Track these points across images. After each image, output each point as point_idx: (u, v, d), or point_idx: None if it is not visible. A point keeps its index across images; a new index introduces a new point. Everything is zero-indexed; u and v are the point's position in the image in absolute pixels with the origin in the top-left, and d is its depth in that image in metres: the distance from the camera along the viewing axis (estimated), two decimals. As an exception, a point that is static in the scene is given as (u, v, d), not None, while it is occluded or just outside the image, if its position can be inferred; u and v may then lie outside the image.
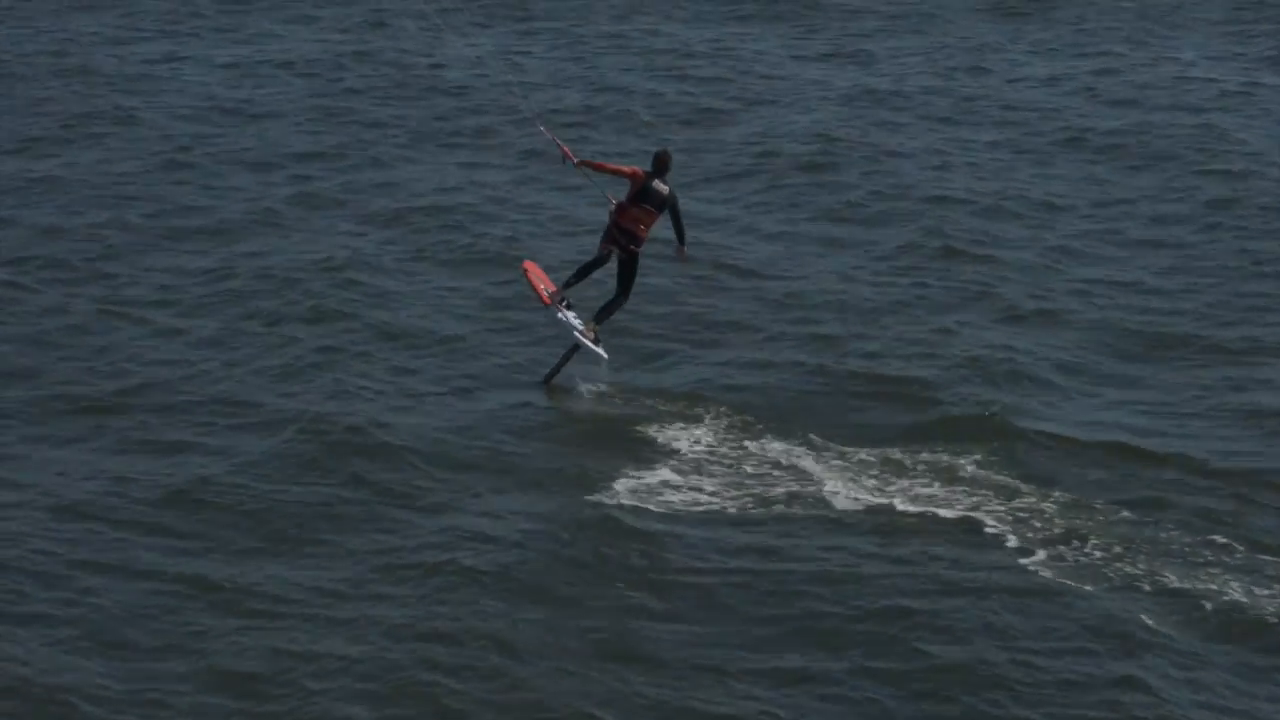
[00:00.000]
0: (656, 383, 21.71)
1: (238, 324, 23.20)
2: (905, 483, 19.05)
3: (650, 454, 19.76)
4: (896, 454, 19.63)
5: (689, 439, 20.13)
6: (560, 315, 21.41)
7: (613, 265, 21.40)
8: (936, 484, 19.03)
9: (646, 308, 23.48)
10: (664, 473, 19.32)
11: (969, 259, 25.87)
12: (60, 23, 41.73)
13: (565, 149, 21.48)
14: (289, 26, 42.28)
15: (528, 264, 22.20)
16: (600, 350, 21.29)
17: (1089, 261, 26.24)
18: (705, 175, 30.28)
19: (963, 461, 19.47)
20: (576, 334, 21.22)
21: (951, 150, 31.76)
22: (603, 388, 21.58)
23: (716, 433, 20.28)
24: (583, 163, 21.40)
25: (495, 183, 29.84)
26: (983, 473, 19.29)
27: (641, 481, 19.06)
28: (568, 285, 21.57)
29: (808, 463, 19.55)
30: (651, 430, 20.34)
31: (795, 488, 18.93)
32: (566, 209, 28.06)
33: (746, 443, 20.09)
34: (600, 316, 21.45)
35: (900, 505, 18.51)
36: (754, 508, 18.49)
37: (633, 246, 21.11)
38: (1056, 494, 18.73)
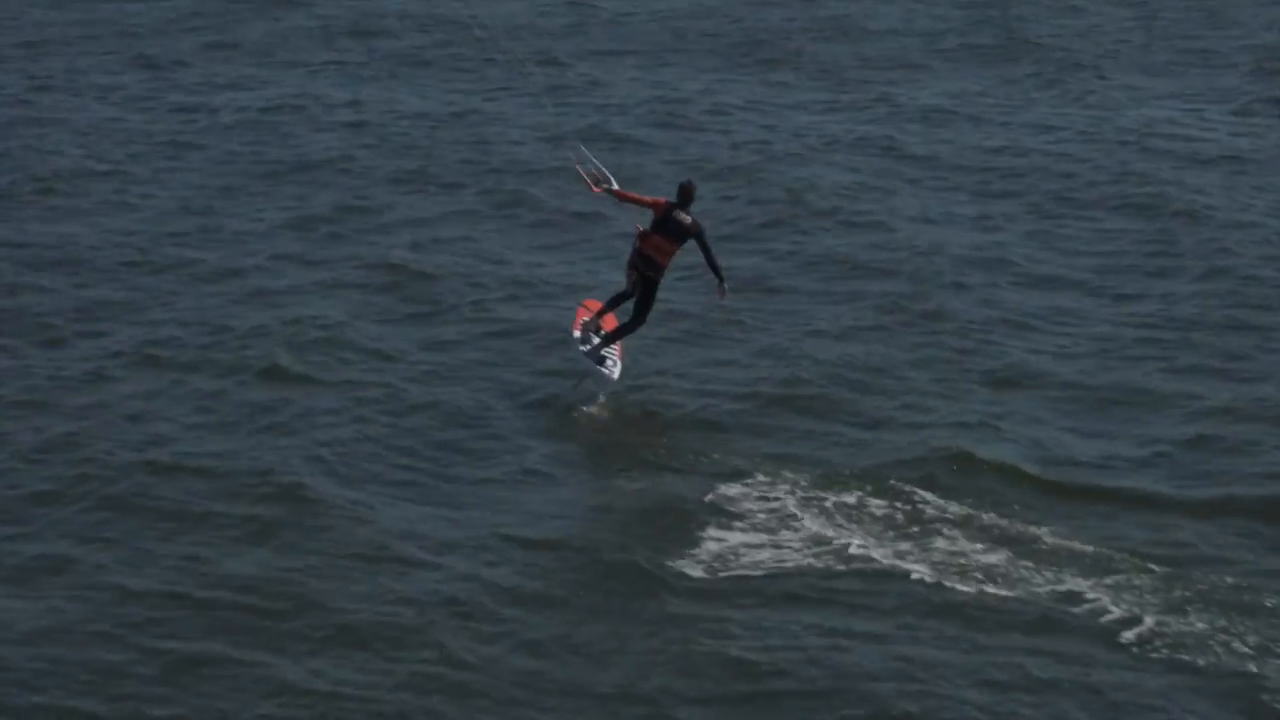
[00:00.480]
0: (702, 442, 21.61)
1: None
2: (955, 549, 18.80)
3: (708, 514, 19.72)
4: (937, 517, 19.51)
5: (745, 494, 20.00)
6: (582, 347, 22.08)
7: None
8: (993, 550, 18.76)
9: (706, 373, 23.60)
10: (722, 533, 19.21)
11: (945, 315, 25.70)
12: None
13: (587, 179, 21.78)
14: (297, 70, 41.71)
15: (589, 301, 22.99)
16: (608, 372, 21.98)
17: (1068, 315, 26.14)
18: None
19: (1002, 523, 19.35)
20: (585, 356, 21.97)
21: (931, 204, 31.58)
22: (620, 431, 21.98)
23: (775, 494, 20.09)
24: (609, 190, 21.70)
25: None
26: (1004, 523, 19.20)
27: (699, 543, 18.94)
28: (600, 315, 22.24)
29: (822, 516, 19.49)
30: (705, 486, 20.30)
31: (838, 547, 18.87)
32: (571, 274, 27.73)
33: (789, 499, 19.94)
34: (613, 338, 22.11)
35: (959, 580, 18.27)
36: (810, 575, 18.26)
37: (652, 274, 21.53)
38: (1153, 566, 18.46)
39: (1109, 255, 28.77)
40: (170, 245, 28.33)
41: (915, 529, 19.14)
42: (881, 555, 18.54)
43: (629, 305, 22.26)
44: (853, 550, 18.64)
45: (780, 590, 17.93)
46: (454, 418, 22.05)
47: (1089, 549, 18.74)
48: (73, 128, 35.51)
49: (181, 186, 31.65)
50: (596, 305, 22.67)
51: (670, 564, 18.42)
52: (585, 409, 22.42)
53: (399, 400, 22.49)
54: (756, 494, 19.95)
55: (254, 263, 27.61)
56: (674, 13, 49.04)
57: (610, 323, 22.44)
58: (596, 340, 22.15)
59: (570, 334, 22.40)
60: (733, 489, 20.07)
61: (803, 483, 20.13)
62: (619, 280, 22.83)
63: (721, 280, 21.47)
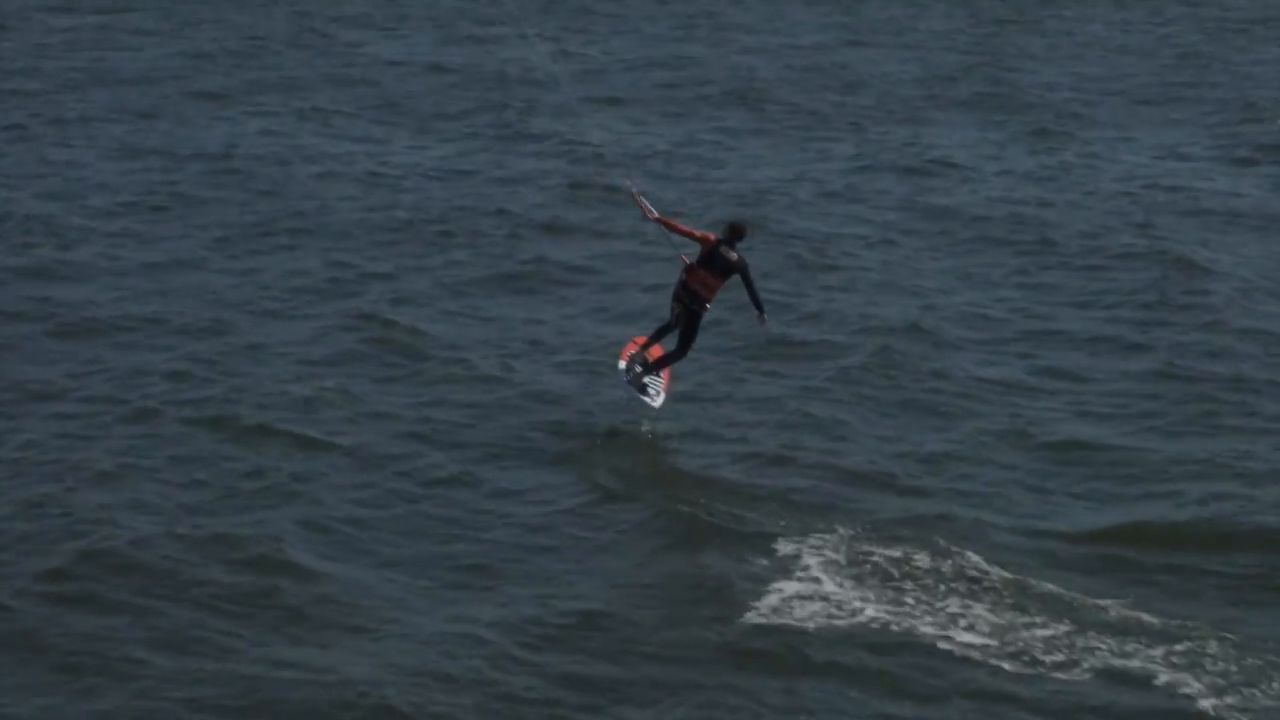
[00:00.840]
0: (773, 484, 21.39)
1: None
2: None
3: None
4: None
5: (784, 557, 19.52)
6: (625, 377, 22.76)
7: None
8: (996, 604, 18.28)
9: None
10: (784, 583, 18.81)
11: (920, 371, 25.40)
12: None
13: (643, 204, 22.47)
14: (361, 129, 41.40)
15: (637, 338, 23.45)
16: (650, 400, 22.64)
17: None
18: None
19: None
20: (627, 385, 22.64)
21: (928, 257, 31.35)
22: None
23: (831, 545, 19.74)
24: (659, 219, 22.37)
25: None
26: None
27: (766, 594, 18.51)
28: (645, 348, 22.84)
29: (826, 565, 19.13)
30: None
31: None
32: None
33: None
34: (656, 367, 22.82)
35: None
36: (854, 645, 17.67)
37: (695, 307, 22.22)
38: (1220, 635, 17.84)
39: (1130, 308, 28.48)
40: (156, 300, 27.91)
41: (963, 593, 18.56)
42: (929, 626, 17.90)
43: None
44: (899, 618, 18.03)
45: (824, 661, 17.28)
46: (459, 480, 21.53)
47: (1150, 620, 18.12)
48: (59, 178, 35.14)
49: (166, 239, 31.18)
50: (643, 340, 23.22)
51: (706, 634, 17.78)
52: (603, 467, 21.92)
53: (400, 463, 21.91)
54: (796, 556, 19.39)
55: (241, 318, 27.16)
56: (664, 63, 48.95)
57: (656, 353, 23.05)
58: (638, 369, 22.79)
59: (617, 365, 23.04)
60: (771, 551, 19.53)
61: (843, 545, 19.68)
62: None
63: (761, 311, 22.23)
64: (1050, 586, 18.79)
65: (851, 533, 19.96)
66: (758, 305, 22.07)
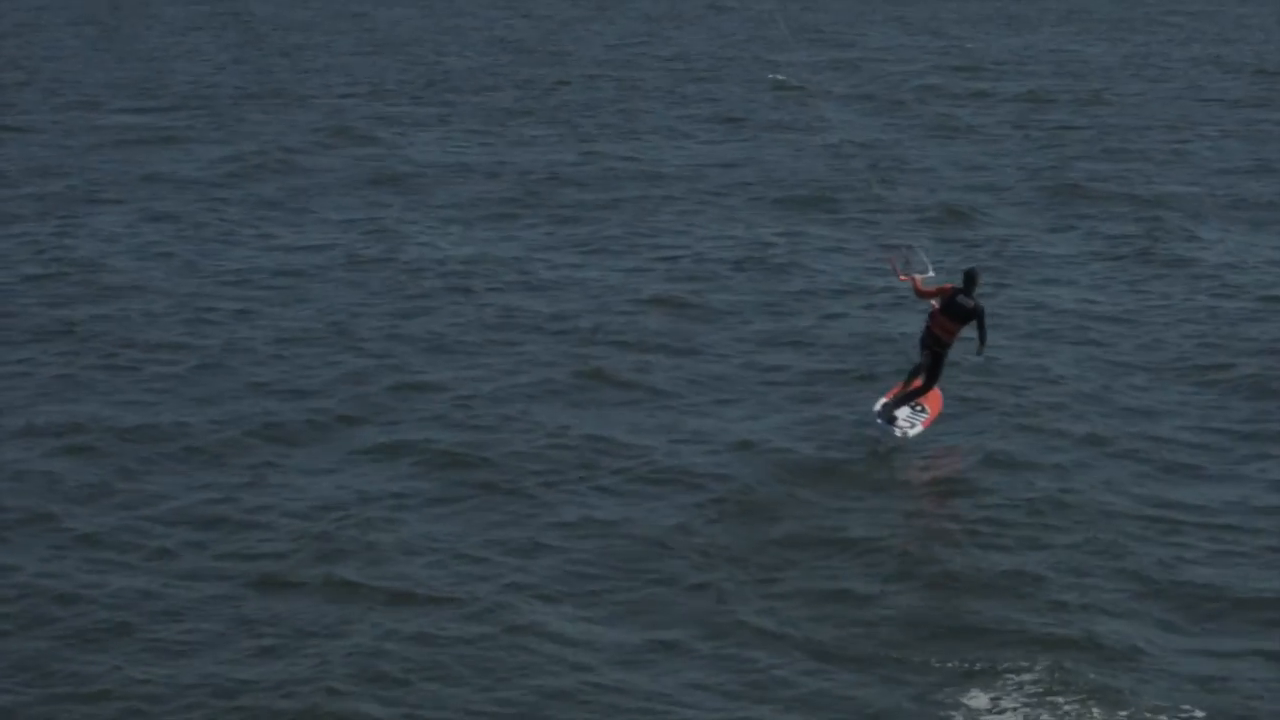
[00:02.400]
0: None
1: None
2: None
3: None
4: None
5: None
6: (880, 419, 24.52)
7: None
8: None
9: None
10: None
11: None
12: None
13: (896, 268, 24.87)
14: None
15: (893, 390, 25.13)
16: (898, 430, 24.32)
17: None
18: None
19: None
20: (878, 416, 24.51)
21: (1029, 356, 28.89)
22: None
23: None
24: (912, 282, 24.50)
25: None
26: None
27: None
28: (909, 381, 24.59)
29: None
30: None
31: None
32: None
33: None
34: (904, 400, 24.60)
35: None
36: None
37: (936, 349, 24.27)
38: None
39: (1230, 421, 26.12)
40: (196, 419, 25.58)
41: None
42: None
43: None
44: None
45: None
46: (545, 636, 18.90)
47: None
48: (95, 285, 33.09)
49: (206, 352, 28.87)
50: (897, 390, 24.95)
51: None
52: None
53: (475, 622, 19.11)
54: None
55: (297, 446, 24.59)
56: (733, 162, 46.96)
57: (898, 390, 24.95)
58: (886, 401, 24.67)
59: (873, 409, 24.86)
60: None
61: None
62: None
63: (983, 344, 24.20)
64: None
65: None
66: (981, 340, 24.04)
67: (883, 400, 24.87)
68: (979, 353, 24.42)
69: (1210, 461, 24.25)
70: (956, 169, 45.92)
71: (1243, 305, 32.31)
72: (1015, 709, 17.13)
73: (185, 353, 28.65)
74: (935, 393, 24.97)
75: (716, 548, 20.97)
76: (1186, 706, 17.30)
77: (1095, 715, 16.94)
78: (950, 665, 18.04)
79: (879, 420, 24.50)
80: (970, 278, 24.03)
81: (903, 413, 24.60)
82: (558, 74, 64.46)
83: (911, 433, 24.42)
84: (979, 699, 17.33)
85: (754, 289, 33.23)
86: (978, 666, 18.01)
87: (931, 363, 24.35)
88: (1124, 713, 17.01)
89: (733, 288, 33.25)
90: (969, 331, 24.14)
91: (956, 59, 70.23)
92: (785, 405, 26.35)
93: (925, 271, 24.90)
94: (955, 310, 23.98)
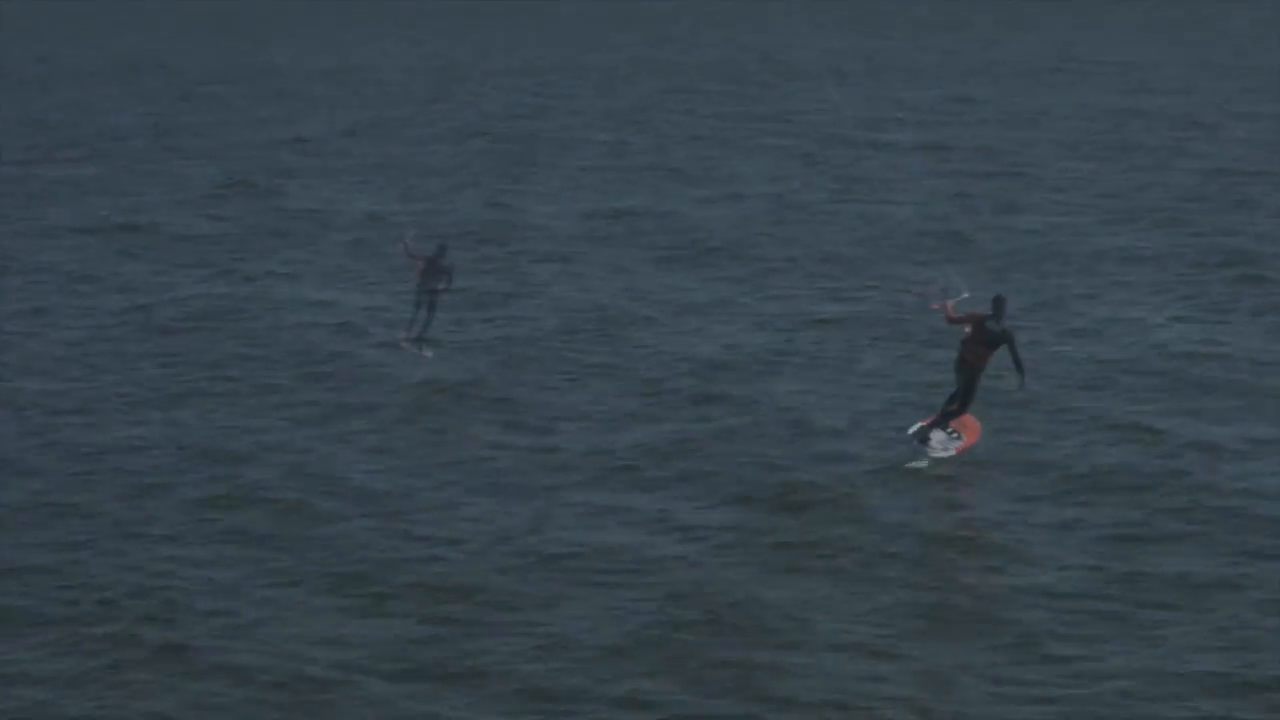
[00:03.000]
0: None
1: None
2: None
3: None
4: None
5: None
6: (916, 441, 25.73)
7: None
8: None
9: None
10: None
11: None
12: None
13: (929, 298, 27.00)
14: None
15: (931, 418, 26.25)
16: (929, 449, 25.44)
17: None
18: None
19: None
20: (912, 437, 25.72)
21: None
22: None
23: None
24: (943, 310, 25.65)
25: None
26: None
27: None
28: (948, 405, 25.69)
29: None
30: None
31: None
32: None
33: None
34: (940, 423, 25.71)
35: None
36: None
37: (972, 374, 25.22)
38: None
39: None
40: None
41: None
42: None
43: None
44: None
45: None
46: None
47: None
48: (80, 352, 33.00)
49: (210, 422, 28.50)
50: (934, 419, 25.96)
51: None
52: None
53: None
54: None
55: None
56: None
57: (952, 407, 25.91)
58: (923, 425, 25.87)
59: (908, 431, 26.03)
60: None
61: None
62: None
63: (1022, 374, 24.88)
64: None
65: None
66: (1019, 368, 24.73)
67: (919, 424, 25.91)
68: (1020, 386, 25.08)
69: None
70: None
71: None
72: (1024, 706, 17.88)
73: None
74: (973, 422, 25.86)
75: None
76: (1195, 705, 18.06)
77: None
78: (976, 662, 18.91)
79: (914, 442, 25.54)
80: (998, 303, 24.94)
81: (937, 436, 25.62)
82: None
83: (944, 455, 25.40)
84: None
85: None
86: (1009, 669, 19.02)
87: (966, 385, 25.28)
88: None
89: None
90: (1005, 359, 24.85)
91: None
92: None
93: (961, 294, 26.18)
94: (985, 336, 24.98)
